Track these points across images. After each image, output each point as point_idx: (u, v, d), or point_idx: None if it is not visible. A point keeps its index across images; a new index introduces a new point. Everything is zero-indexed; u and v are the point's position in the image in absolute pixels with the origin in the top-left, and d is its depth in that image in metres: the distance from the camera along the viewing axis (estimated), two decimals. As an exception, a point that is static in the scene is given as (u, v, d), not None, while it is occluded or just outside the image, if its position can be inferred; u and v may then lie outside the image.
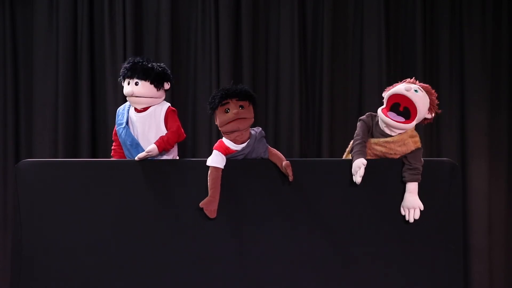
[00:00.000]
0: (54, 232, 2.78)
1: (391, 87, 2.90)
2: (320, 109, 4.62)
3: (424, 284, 2.81)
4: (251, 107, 2.81)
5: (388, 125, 2.81)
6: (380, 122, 2.85)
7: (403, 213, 2.80)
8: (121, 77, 3.01)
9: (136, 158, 2.84)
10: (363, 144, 2.82)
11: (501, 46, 4.66)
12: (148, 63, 2.98)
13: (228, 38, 4.57)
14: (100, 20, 4.61)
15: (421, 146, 2.85)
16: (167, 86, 3.02)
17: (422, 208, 2.77)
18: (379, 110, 2.82)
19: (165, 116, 2.96)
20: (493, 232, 4.60)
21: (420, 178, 2.79)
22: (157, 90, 2.97)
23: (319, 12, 4.65)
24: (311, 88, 4.66)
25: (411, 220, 2.78)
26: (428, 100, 2.83)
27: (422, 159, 2.83)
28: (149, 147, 2.84)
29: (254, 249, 2.79)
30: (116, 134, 3.06)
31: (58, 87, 4.56)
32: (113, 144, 3.10)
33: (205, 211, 2.73)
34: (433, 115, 2.87)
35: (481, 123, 4.61)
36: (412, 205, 2.78)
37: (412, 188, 2.79)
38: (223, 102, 2.77)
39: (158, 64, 3.02)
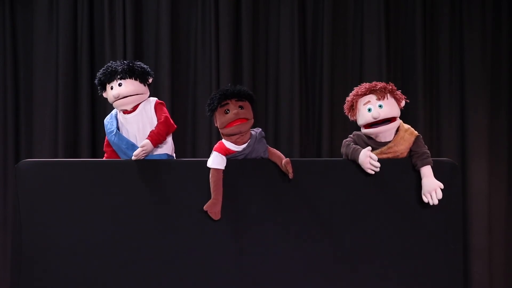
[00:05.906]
0: (54, 232, 2.78)
1: (348, 102, 2.96)
2: (320, 109, 4.62)
3: (424, 284, 2.81)
4: (250, 107, 2.81)
5: (381, 132, 2.85)
6: (371, 137, 2.89)
7: (425, 200, 2.77)
8: (100, 86, 2.99)
9: (133, 157, 2.83)
10: (356, 145, 2.84)
11: (501, 46, 4.67)
12: (125, 64, 2.96)
13: (228, 38, 4.56)
14: (100, 20, 4.61)
15: (418, 132, 2.89)
16: (150, 80, 3.03)
17: (442, 187, 2.75)
18: (363, 130, 2.89)
19: (154, 110, 2.97)
20: (493, 232, 4.60)
21: (431, 161, 2.80)
22: (144, 85, 2.97)
23: (319, 12, 4.65)
24: (311, 88, 4.66)
25: (436, 202, 2.75)
26: (393, 99, 2.88)
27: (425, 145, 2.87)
28: (143, 142, 2.84)
29: (255, 249, 2.79)
30: (107, 145, 3.04)
31: (58, 87, 4.55)
32: (105, 155, 3.08)
33: (209, 214, 2.74)
34: (402, 103, 2.91)
35: (481, 123, 4.61)
36: (432, 187, 2.76)
37: (427, 173, 2.79)
38: (223, 103, 2.77)
39: (133, 61, 3.02)
